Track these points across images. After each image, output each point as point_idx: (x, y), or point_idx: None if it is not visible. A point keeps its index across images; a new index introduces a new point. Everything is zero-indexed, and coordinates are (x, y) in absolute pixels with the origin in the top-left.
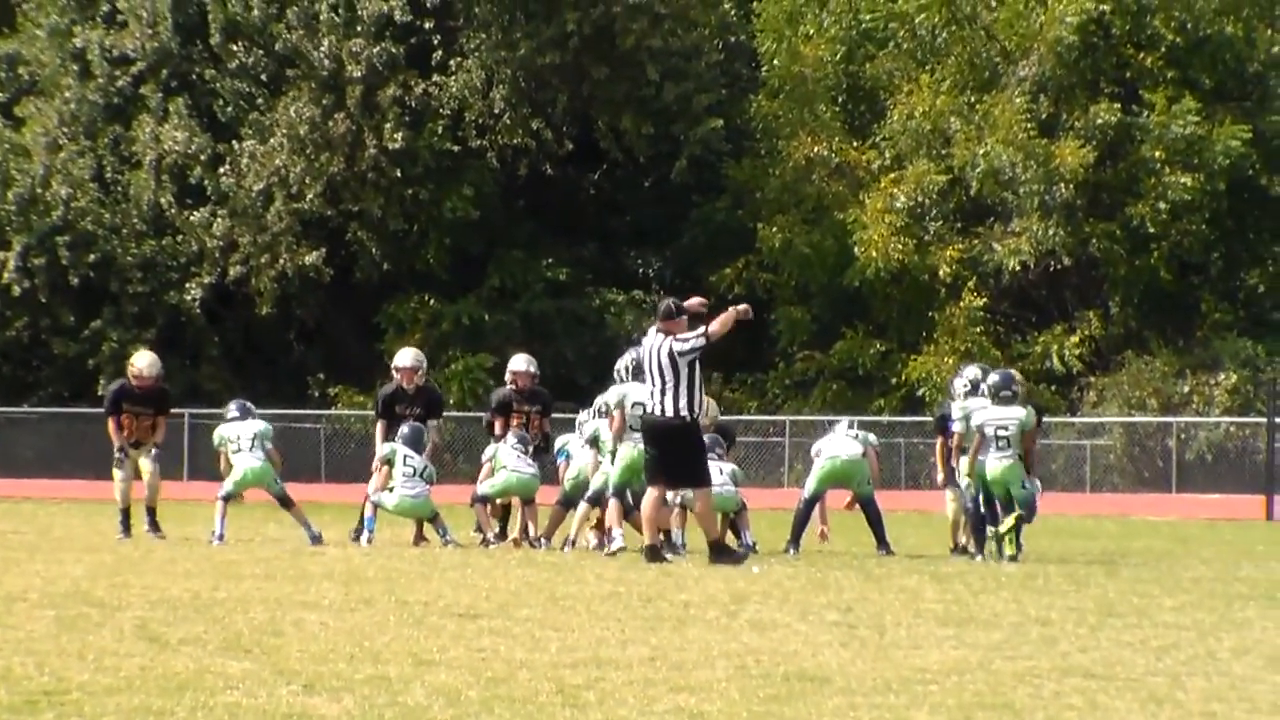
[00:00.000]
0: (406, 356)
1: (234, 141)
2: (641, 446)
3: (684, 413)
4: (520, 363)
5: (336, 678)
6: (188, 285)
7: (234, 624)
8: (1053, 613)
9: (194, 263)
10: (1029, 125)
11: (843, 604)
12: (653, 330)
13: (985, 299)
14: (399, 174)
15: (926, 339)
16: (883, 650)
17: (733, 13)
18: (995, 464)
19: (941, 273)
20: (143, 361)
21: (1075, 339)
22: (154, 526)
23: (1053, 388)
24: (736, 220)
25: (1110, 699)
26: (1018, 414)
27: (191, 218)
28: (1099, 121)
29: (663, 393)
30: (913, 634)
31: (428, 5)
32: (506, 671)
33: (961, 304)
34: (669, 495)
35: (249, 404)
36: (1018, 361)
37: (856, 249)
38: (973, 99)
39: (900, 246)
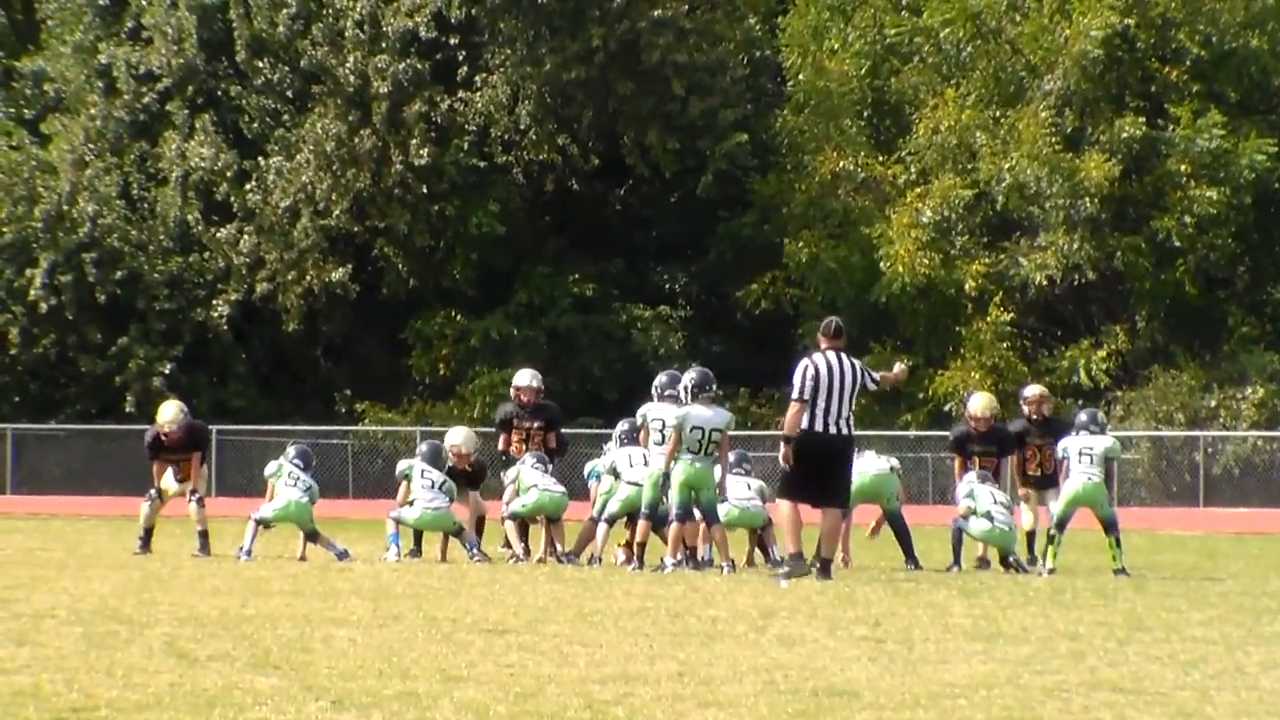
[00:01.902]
0: (462, 437)
1: (260, 158)
2: (695, 465)
3: (849, 432)
4: (524, 378)
5: (365, 694)
6: (215, 302)
7: (262, 640)
8: (1081, 627)
9: (221, 279)
10: (1054, 139)
11: (871, 619)
12: (828, 353)
13: (1012, 314)
14: (425, 190)
15: (953, 354)
16: (911, 665)
17: (758, 28)
18: (1081, 480)
19: (968, 287)
20: (165, 417)
21: (1102, 353)
22: (204, 548)
23: (1080, 403)
24: (763, 235)
25: (1139, 713)
26: (1105, 442)
27: (218, 234)
28: (1124, 135)
29: (841, 412)
30: (941, 649)
31: (453, 21)
32: (535, 687)
33: (988, 319)
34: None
35: (312, 457)
36: (1044, 376)
37: (883, 264)
38: (998, 113)
39: (926, 261)
